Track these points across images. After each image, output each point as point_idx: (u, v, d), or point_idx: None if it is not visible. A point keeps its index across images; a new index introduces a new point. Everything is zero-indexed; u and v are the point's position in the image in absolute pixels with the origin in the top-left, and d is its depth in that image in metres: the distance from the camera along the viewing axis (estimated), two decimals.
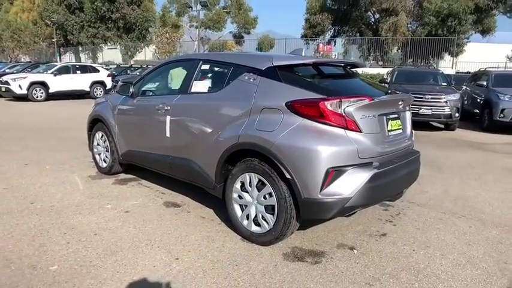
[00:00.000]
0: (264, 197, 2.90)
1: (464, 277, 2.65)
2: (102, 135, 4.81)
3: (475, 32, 24.95)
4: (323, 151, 2.61)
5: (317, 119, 2.67)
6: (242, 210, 3.12)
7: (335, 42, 26.27)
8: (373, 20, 25.66)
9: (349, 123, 2.68)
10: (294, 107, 2.75)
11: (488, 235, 3.37)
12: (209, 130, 3.29)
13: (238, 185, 3.10)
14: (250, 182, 2.99)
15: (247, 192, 3.04)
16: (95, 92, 16.25)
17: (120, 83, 12.83)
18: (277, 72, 3.03)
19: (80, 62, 29.13)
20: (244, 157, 3.02)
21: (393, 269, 2.72)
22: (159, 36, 31.04)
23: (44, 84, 14.90)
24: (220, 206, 3.71)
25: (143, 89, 4.27)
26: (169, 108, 3.67)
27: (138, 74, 19.42)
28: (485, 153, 6.99)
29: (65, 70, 15.80)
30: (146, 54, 33.28)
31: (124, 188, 4.37)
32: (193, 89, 3.59)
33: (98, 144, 4.96)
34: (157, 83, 4.36)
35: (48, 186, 4.37)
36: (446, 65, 22.41)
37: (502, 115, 9.39)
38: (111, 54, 33.41)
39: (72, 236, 3.10)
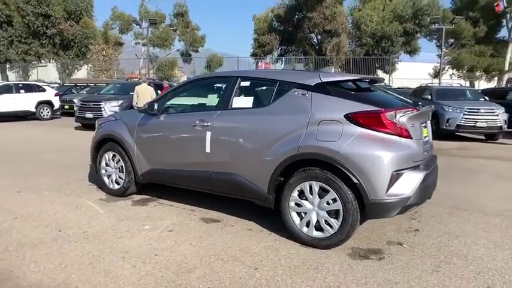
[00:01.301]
0: (327, 203, 3.11)
1: (502, 257, 3.09)
2: (114, 156, 4.63)
3: (404, 53, 27.89)
4: (388, 156, 2.92)
5: (377, 128, 2.98)
6: (300, 217, 3.28)
7: (282, 60, 27.52)
8: (316, 40, 27.43)
9: (403, 131, 3.02)
10: (355, 118, 3.03)
11: (495, 223, 3.93)
12: (260, 143, 3.42)
13: (295, 194, 3.26)
14: (310, 190, 3.18)
15: (306, 199, 3.22)
16: (42, 112, 15.05)
17: (78, 103, 12.13)
18: (326, 87, 3.30)
19: (8, 80, 26.68)
20: (301, 167, 3.21)
21: (445, 256, 3.09)
22: (95, 53, 29.71)
23: None
24: (257, 217, 3.86)
25: (169, 106, 4.24)
26: (209, 124, 3.72)
27: (85, 92, 18.39)
28: (449, 157, 7.93)
29: (6, 89, 14.42)
30: (86, 72, 31.57)
31: (148, 209, 4.24)
32: (234, 105, 3.70)
33: (106, 165, 4.74)
34: (186, 100, 4.36)
35: (64, 212, 4.08)
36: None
37: (447, 124, 10.69)
38: (45, 72, 31.09)
39: (132, 259, 2.99)
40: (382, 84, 14.08)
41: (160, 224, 3.76)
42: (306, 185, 3.19)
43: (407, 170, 3.01)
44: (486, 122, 10.38)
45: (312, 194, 3.18)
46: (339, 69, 26.67)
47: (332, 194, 3.07)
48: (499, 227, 3.81)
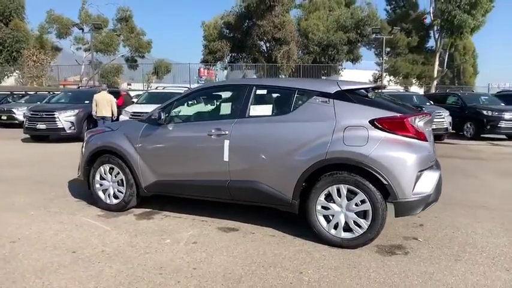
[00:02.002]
0: (356, 204, 3.27)
1: (503, 243, 3.49)
2: (112, 169, 4.38)
3: (346, 60, 29.67)
4: (413, 158, 3.17)
5: (401, 132, 3.23)
6: (327, 220, 3.40)
7: (232, 67, 27.68)
8: (265, 48, 28.07)
9: (421, 135, 3.30)
10: (380, 124, 3.24)
11: (482, 214, 4.40)
12: (283, 150, 3.50)
13: (322, 197, 3.38)
14: (337, 193, 3.32)
15: (334, 202, 3.35)
16: None
17: (28, 113, 11.07)
18: (346, 95, 3.48)
19: None
20: (328, 171, 3.35)
21: (458, 247, 3.41)
22: (26, 59, 27.38)
23: None
24: (274, 223, 3.95)
25: (176, 115, 4.13)
26: (227, 132, 3.71)
27: (23, 101, 16.84)
28: None
29: None
30: (14, 79, 28.86)
31: (157, 222, 4.08)
32: (252, 113, 3.73)
33: (101, 179, 4.47)
34: (195, 109, 4.27)
35: (66, 232, 3.77)
36: None
37: None
38: None
39: (172, 274, 2.88)
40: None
41: (180, 237, 3.65)
42: (333, 189, 3.33)
43: (426, 170, 3.29)
44: (434, 124, 11.50)
45: (340, 197, 3.32)
46: (289, 77, 27.59)
47: (361, 196, 3.24)
48: (487, 217, 4.28)
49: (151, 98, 12.21)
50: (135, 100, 12.24)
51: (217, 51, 26.11)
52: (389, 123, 3.24)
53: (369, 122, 3.27)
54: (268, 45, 27.85)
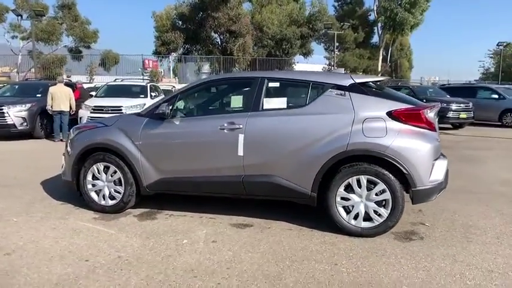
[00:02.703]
0: (376, 194, 3.37)
1: (499, 223, 3.81)
2: (107, 167, 4.05)
3: (299, 55, 30.33)
4: (429, 148, 3.33)
5: (416, 123, 3.36)
6: (346, 211, 3.47)
7: (185, 59, 26.91)
8: (219, 40, 27.68)
9: (431, 126, 3.48)
10: (397, 115, 3.35)
11: (470, 198, 4.77)
12: (301, 143, 3.48)
13: (342, 189, 3.43)
14: (357, 184, 3.39)
15: (353, 193, 3.42)
16: None
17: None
18: (360, 87, 3.55)
19: None
20: (347, 163, 3.40)
21: (464, 229, 3.67)
22: None
23: None
24: (285, 217, 3.98)
25: (182, 109, 3.92)
26: (241, 126, 3.60)
27: None
28: None
29: None
30: None
31: (163, 222, 3.87)
32: (265, 106, 3.66)
33: (94, 179, 4.12)
34: (205, 102, 4.06)
35: (67, 239, 3.42)
36: None
37: None
38: None
39: (207, 276, 2.74)
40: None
41: (196, 237, 3.49)
42: (353, 180, 3.39)
43: (438, 158, 3.48)
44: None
45: (360, 188, 3.39)
46: (239, 69, 27.51)
47: (381, 186, 3.33)
48: (472, 200, 4.65)
49: (111, 90, 11.51)
50: (93, 93, 11.41)
51: (171, 43, 25.22)
52: (406, 115, 3.36)
53: (386, 113, 3.37)
54: (222, 37, 27.49)
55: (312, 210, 4.10)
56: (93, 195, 4.15)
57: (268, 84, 3.74)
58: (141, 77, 21.07)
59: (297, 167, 3.51)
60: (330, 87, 3.57)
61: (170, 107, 3.84)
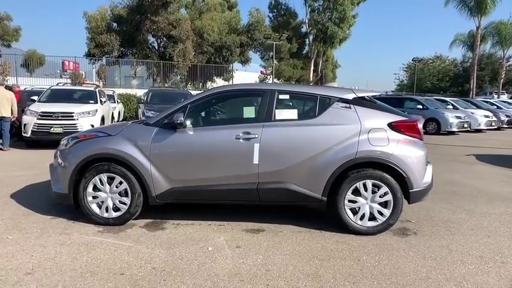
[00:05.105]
0: (380, 196, 3.82)
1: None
2: (111, 178, 3.92)
3: (238, 62, 30.90)
4: (423, 155, 3.89)
5: (411, 133, 3.90)
6: (353, 212, 3.86)
7: (119, 62, 25.55)
8: (156, 45, 26.97)
9: (421, 136, 4.05)
10: (397, 126, 3.85)
11: (442, 198, 5.52)
12: (313, 152, 3.79)
13: (350, 192, 3.82)
14: (363, 187, 3.81)
15: (360, 196, 3.83)
16: None
17: None
18: (361, 101, 4.00)
19: None
20: (355, 169, 3.80)
21: (443, 223, 4.29)
22: None
23: None
24: (290, 219, 4.26)
25: (195, 119, 3.96)
26: (256, 136, 3.79)
27: None
28: None
29: None
30: None
31: (175, 232, 3.86)
32: (278, 117, 3.90)
33: (96, 191, 3.95)
34: (217, 112, 4.12)
35: (84, 254, 3.26)
36: None
37: None
38: None
39: (253, 280, 2.89)
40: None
41: (218, 243, 3.58)
42: (360, 184, 3.80)
43: (428, 164, 4.06)
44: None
45: (366, 191, 3.81)
46: (177, 76, 27.14)
47: (384, 189, 3.79)
48: (436, 199, 5.40)
49: (56, 95, 10.61)
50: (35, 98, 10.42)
51: (106, 45, 23.86)
52: (404, 126, 3.88)
53: (387, 124, 3.85)
54: (160, 41, 26.83)
55: (313, 212, 4.46)
56: (94, 207, 3.97)
57: (278, 96, 4.00)
58: (59, 79, 19.87)
59: (309, 174, 3.81)
60: (336, 101, 3.95)
61: (181, 118, 3.87)
